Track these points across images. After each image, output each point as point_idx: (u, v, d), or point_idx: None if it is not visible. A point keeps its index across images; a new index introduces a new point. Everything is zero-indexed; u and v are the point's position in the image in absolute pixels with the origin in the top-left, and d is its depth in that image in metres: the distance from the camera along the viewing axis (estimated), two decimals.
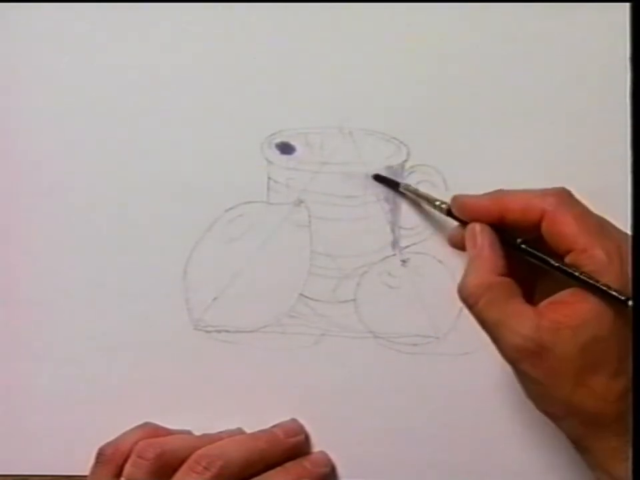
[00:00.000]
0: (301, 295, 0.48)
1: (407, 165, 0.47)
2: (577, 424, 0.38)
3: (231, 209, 0.48)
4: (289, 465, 0.45)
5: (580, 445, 0.39)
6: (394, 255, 0.48)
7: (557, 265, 0.38)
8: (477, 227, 0.41)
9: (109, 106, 0.48)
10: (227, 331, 0.48)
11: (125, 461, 0.44)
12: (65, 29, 0.48)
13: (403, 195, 0.47)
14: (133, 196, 0.48)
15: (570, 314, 0.37)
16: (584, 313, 0.37)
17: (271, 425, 0.47)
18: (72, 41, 0.48)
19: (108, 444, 0.45)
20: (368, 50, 0.47)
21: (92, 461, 0.45)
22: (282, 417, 0.47)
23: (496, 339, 0.38)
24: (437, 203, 0.44)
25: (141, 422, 0.46)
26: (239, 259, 0.48)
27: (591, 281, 0.36)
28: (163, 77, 0.48)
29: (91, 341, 0.48)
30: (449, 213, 0.43)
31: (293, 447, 0.46)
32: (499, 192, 0.41)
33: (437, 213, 0.45)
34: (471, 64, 0.47)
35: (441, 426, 0.47)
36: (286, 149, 0.48)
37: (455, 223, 0.43)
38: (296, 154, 0.48)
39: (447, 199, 0.43)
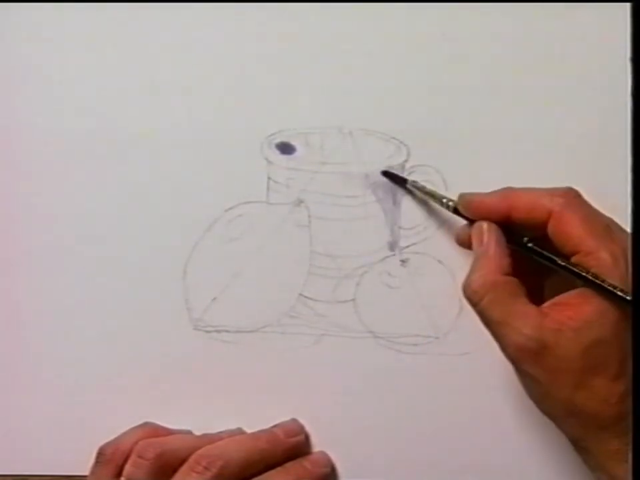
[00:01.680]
0: (301, 295, 0.48)
1: (407, 165, 0.47)
2: (577, 425, 0.38)
3: (230, 209, 0.48)
4: (289, 465, 0.45)
5: (580, 446, 0.39)
6: (394, 254, 0.48)
7: (563, 264, 0.38)
8: (484, 225, 0.41)
9: (109, 106, 0.48)
10: (227, 331, 0.48)
11: (125, 460, 0.44)
12: (65, 30, 0.48)
13: (409, 192, 0.47)
14: (133, 196, 0.48)
15: (573, 315, 0.37)
16: (587, 314, 0.37)
17: (271, 425, 0.47)
18: (72, 42, 0.48)
19: (108, 444, 0.45)
20: (368, 50, 0.47)
21: (92, 460, 0.45)
22: (282, 417, 0.47)
23: (498, 338, 0.38)
24: (444, 200, 0.44)
25: (140, 422, 0.46)
26: (239, 259, 0.48)
27: (597, 281, 0.36)
28: (163, 77, 0.48)
29: (90, 341, 0.48)
30: (455, 210, 0.43)
31: (293, 447, 0.46)
32: (507, 190, 0.41)
33: (438, 213, 0.45)
34: (471, 64, 0.47)
35: (441, 426, 0.47)
36: (286, 149, 0.48)
37: (461, 221, 0.44)
38: (296, 154, 0.48)
39: (454, 196, 0.43)
